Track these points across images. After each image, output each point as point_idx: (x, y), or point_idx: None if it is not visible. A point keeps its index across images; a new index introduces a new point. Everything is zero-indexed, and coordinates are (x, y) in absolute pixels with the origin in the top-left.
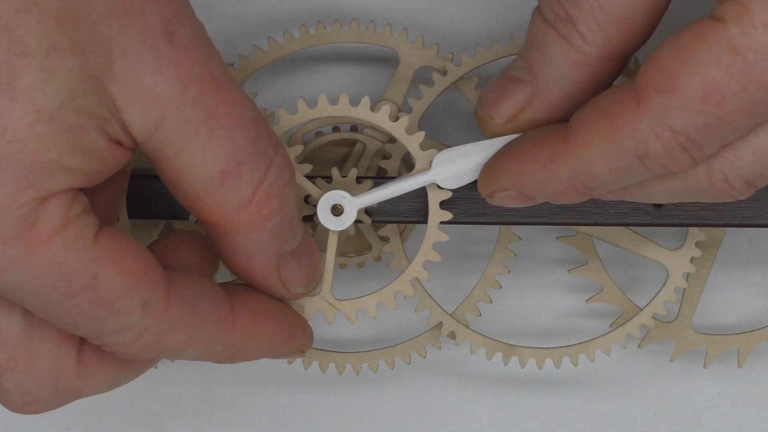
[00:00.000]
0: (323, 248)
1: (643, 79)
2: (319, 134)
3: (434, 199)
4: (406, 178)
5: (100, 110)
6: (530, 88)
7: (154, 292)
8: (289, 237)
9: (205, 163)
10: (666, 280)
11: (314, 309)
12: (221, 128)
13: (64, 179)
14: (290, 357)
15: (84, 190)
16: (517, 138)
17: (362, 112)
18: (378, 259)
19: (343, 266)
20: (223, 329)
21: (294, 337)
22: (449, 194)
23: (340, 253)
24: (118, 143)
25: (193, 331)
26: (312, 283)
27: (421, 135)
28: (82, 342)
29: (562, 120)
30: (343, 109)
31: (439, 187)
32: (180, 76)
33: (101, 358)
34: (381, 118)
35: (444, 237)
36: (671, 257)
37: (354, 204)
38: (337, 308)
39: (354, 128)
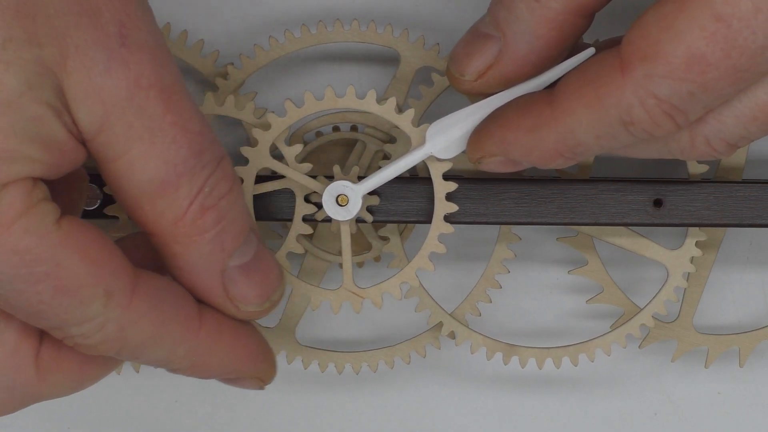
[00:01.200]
0: (327, 247)
1: (628, 46)
2: (319, 134)
3: (436, 172)
4: (404, 157)
5: (56, 102)
6: (498, 44)
7: (118, 282)
8: (234, 251)
9: (145, 170)
10: (666, 280)
11: (340, 301)
12: (165, 137)
13: (23, 167)
14: (249, 385)
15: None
16: (503, 105)
17: (349, 101)
18: (378, 258)
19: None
20: (188, 330)
21: (258, 362)
22: (450, 165)
23: (339, 252)
24: (75, 137)
25: (158, 326)
26: (267, 302)
27: (411, 112)
28: (40, 346)
29: (531, 76)
30: (329, 102)
31: (438, 159)
32: (128, 80)
33: (60, 362)
34: (368, 103)
35: (453, 207)
36: (671, 257)
37: (358, 191)
38: (363, 296)
39: (354, 128)
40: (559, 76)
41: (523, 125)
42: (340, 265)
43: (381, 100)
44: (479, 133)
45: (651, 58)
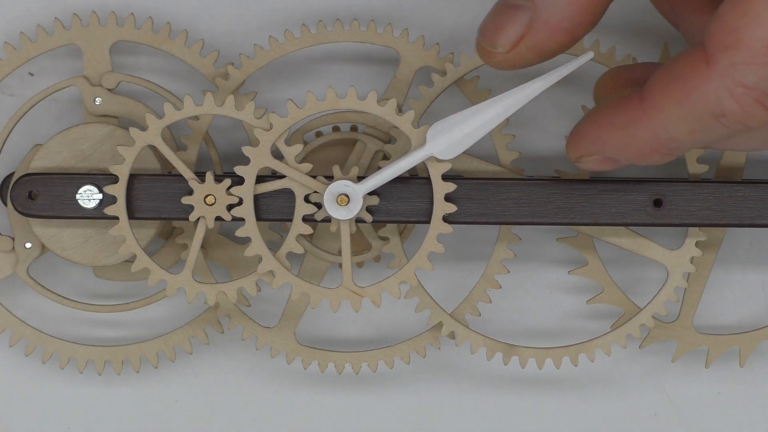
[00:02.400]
0: (327, 247)
1: (710, 38)
2: (318, 134)
3: (435, 173)
4: (404, 157)
5: None
6: (529, 14)
7: None
8: None
9: None
10: (666, 280)
11: (339, 300)
12: None
13: None
14: None
15: None
16: (596, 105)
17: (350, 102)
18: (377, 258)
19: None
20: None
21: None
22: (449, 165)
23: (339, 252)
24: None
25: None
26: None
27: (411, 114)
28: None
29: (565, 44)
30: (331, 102)
31: (437, 160)
32: None
33: None
34: (369, 104)
35: (452, 208)
36: (671, 257)
37: (358, 190)
38: (362, 295)
39: (354, 128)
40: (559, 78)
41: (616, 123)
42: (340, 265)
43: (381, 100)
44: (576, 133)
45: (733, 47)
